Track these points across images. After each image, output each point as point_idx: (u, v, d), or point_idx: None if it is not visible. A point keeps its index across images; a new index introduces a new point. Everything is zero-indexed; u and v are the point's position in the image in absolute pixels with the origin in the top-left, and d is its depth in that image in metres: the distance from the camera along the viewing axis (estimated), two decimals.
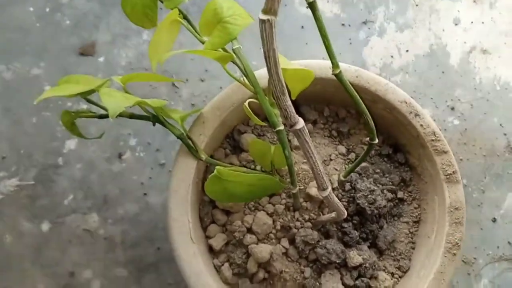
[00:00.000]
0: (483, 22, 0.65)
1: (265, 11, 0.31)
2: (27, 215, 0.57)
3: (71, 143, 0.59)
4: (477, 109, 0.62)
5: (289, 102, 0.35)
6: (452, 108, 0.62)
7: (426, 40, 0.64)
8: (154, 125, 0.44)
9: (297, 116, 0.35)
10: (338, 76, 0.38)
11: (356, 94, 0.39)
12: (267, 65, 0.33)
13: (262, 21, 0.31)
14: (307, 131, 0.35)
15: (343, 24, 0.64)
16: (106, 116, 0.43)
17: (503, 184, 0.60)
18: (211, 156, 0.49)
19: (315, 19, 0.37)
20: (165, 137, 0.60)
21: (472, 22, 0.65)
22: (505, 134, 0.61)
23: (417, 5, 0.65)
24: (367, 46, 0.64)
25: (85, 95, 0.43)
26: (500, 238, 0.59)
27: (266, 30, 0.31)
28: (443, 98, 0.62)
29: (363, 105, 0.40)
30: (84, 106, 0.60)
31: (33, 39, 0.62)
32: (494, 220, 0.59)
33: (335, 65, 0.38)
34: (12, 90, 0.60)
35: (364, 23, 0.64)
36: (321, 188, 0.38)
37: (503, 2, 0.65)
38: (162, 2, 0.43)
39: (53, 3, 0.63)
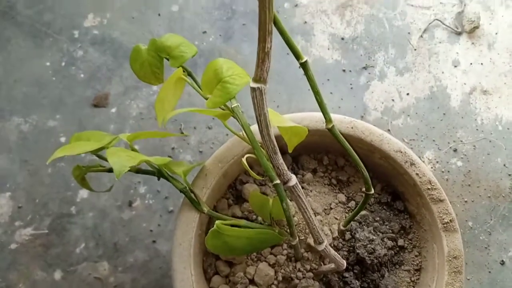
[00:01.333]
0: (482, 63, 0.65)
1: (255, 80, 0.33)
2: (41, 263, 0.59)
3: (84, 193, 0.62)
4: (480, 150, 0.62)
5: (281, 161, 0.36)
6: (455, 150, 0.62)
7: (426, 82, 0.65)
8: (158, 179, 0.46)
9: (289, 173, 0.36)
10: (332, 130, 0.40)
11: (350, 147, 0.41)
12: (259, 128, 0.35)
13: (253, 89, 0.33)
14: (300, 187, 0.37)
15: (344, 70, 0.66)
16: None
17: (510, 226, 0.59)
18: (214, 207, 0.51)
19: (307, 78, 0.39)
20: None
21: (471, 64, 0.66)
22: (509, 175, 0.61)
23: (415, 49, 0.66)
24: (368, 91, 0.65)
25: (95, 152, 0.46)
26: (509, 281, 0.58)
27: (257, 97, 0.34)
28: (446, 140, 0.63)
29: (357, 157, 0.41)
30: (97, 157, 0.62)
31: (49, 92, 0.65)
32: (502, 262, 0.58)
33: (328, 120, 0.40)
34: (29, 142, 0.64)
35: (365, 68, 0.66)
36: (317, 242, 0.39)
37: (501, 43, 0.66)
38: (168, 60, 0.46)
39: (68, 57, 0.67)
